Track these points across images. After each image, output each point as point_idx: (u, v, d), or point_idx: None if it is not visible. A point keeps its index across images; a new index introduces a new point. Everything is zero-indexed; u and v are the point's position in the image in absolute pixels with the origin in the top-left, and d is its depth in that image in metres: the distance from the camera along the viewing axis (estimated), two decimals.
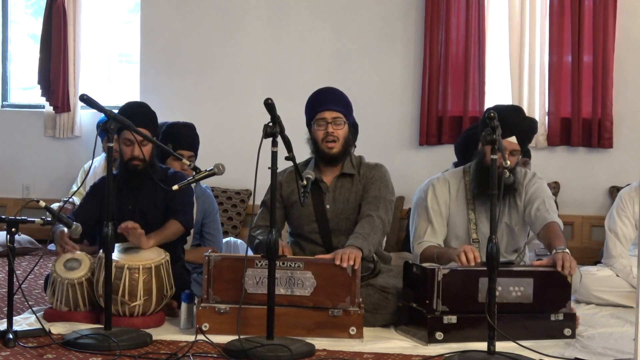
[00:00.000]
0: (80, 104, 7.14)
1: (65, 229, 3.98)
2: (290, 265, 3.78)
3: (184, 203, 4.31)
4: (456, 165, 5.17)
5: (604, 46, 6.27)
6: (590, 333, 4.01)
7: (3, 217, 3.67)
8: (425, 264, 3.85)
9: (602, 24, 6.27)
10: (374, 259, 4.15)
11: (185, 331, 3.85)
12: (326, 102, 4.21)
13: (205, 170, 3.91)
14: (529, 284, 3.81)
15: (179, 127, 4.99)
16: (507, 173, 3.55)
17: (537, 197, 4.21)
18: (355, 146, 5.17)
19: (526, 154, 5.43)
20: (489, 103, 6.48)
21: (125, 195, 4.31)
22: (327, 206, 4.25)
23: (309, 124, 4.29)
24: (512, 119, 4.07)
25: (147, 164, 4.20)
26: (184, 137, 4.91)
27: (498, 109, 3.90)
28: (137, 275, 3.88)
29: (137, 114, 4.19)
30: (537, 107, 6.43)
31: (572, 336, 3.85)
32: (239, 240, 5.68)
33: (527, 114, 4.50)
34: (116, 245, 3.91)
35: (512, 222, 4.29)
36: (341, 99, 4.27)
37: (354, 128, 4.41)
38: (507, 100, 6.42)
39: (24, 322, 3.91)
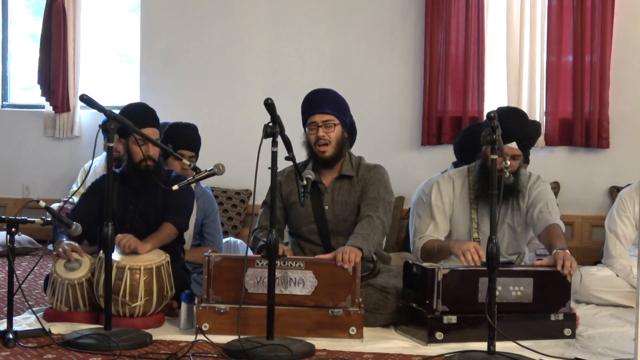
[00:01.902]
0: (80, 104, 7.14)
1: (65, 242, 4.01)
2: (290, 264, 3.78)
3: (181, 205, 4.30)
4: (455, 165, 5.16)
5: (601, 46, 6.26)
6: (590, 333, 4.00)
7: (3, 217, 3.67)
8: (426, 264, 3.84)
9: (601, 24, 6.26)
10: (373, 259, 4.15)
11: (185, 331, 3.85)
12: (316, 105, 4.18)
13: (205, 171, 3.91)
14: (528, 284, 3.81)
15: (181, 127, 5.01)
16: (507, 173, 3.54)
17: (540, 200, 4.21)
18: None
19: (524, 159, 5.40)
20: (488, 103, 6.48)
21: (126, 196, 4.31)
22: (326, 207, 4.24)
23: (304, 127, 4.28)
24: (514, 125, 4.06)
25: (156, 164, 4.23)
26: (185, 137, 4.92)
27: (500, 112, 3.88)
28: (138, 276, 3.88)
29: (144, 115, 4.23)
30: (536, 108, 6.42)
31: (572, 336, 3.85)
32: (239, 240, 5.67)
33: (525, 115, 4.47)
34: (116, 245, 3.91)
35: (515, 224, 4.29)
36: (332, 100, 4.22)
37: (350, 127, 4.37)
38: (505, 100, 6.42)
39: (24, 322, 3.91)
